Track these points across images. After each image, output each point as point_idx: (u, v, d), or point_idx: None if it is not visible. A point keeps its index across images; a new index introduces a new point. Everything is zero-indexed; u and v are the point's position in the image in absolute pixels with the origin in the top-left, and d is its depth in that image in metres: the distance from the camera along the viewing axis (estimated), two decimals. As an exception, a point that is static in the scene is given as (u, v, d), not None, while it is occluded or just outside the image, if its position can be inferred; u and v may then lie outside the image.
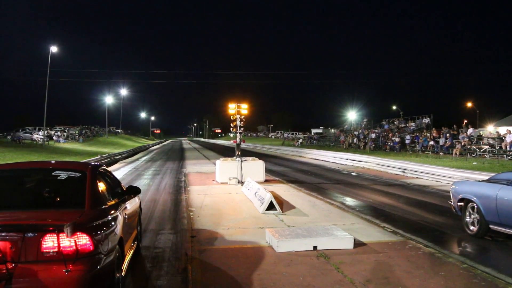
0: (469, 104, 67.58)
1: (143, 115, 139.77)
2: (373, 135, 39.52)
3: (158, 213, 9.96)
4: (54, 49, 41.94)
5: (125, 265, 4.76)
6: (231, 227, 8.37)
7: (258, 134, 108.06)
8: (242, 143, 17.24)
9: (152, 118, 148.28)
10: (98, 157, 24.94)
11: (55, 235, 3.36)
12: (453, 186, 8.51)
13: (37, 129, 51.76)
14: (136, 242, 6.02)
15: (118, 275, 4.18)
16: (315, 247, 6.58)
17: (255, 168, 16.09)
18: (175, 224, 8.75)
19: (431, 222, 9.11)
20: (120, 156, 32.78)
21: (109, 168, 22.16)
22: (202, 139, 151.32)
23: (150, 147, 67.06)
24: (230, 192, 13.27)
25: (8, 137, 48.01)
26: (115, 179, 5.74)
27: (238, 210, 10.32)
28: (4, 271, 3.24)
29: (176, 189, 14.44)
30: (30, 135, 47.68)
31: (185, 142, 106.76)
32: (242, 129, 16.41)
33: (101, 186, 4.69)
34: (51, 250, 3.35)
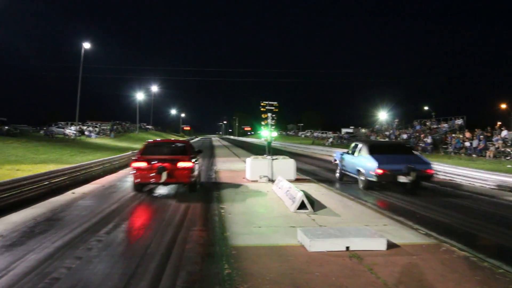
0: (503, 106, 65.92)
1: (173, 111, 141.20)
2: (405, 136, 39.04)
3: (189, 210, 10.14)
4: (86, 45, 42.92)
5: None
6: (263, 225, 8.47)
7: (288, 133, 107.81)
8: (272, 142, 17.33)
9: (182, 115, 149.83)
10: (130, 153, 25.31)
11: (180, 159, 11.75)
12: (334, 155, 18.95)
13: (69, 124, 52.97)
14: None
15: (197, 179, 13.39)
16: (347, 248, 6.60)
17: (286, 166, 16.10)
18: (207, 221, 8.91)
19: (465, 225, 9.00)
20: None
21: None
22: (232, 137, 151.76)
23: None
24: (261, 190, 13.35)
25: (41, 132, 49.09)
26: (193, 146, 14.16)
27: (269, 208, 10.41)
28: (167, 168, 11.47)
29: (207, 185, 14.60)
30: (63, 130, 48.77)
31: (215, 139, 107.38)
32: (273, 127, 16.49)
33: (191, 148, 12.89)
34: (180, 164, 11.61)
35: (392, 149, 15.58)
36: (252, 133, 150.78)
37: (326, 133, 78.10)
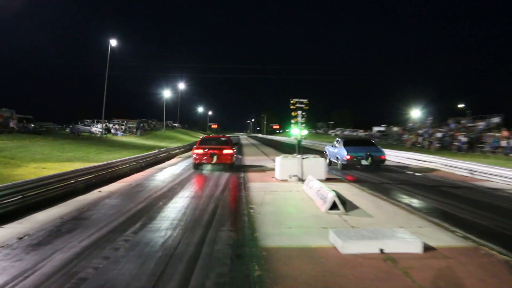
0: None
1: (200, 109, 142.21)
2: (439, 135, 38.37)
3: (218, 210, 10.18)
4: (113, 42, 43.60)
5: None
6: (293, 226, 8.44)
7: (318, 131, 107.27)
8: (302, 140, 17.26)
9: (210, 112, 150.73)
10: (156, 151, 25.62)
11: (224, 148, 19.31)
12: (325, 148, 24.56)
13: (95, 122, 53.79)
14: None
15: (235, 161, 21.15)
16: (381, 250, 6.53)
17: (316, 166, 16.05)
18: (236, 221, 8.94)
19: (505, 228, 8.76)
20: (177, 150, 33.51)
21: (167, 163, 22.67)
22: (260, 135, 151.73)
23: None
24: (291, 190, 13.35)
25: (67, 130, 49.87)
26: (231, 140, 21.56)
27: (300, 208, 10.39)
28: (216, 154, 18.89)
29: (235, 186, 14.67)
30: (89, 127, 49.48)
31: (243, 137, 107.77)
32: (303, 125, 16.42)
33: (230, 141, 20.37)
34: (224, 151, 19.09)
35: (360, 142, 22.64)
36: (281, 131, 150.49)
37: (356, 131, 77.48)
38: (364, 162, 19.80)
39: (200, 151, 19.47)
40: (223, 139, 21.49)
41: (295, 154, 16.71)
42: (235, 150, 21.18)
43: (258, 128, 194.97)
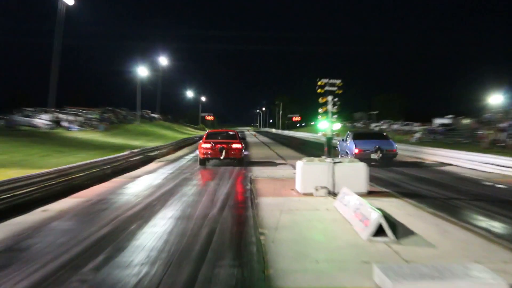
0: None
1: (189, 94, 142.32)
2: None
3: (215, 237, 10.16)
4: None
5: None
6: (322, 259, 8.41)
7: (355, 124, 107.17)
8: (335, 137, 17.24)
9: (203, 99, 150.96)
10: (127, 152, 25.67)
11: (232, 143, 25.65)
12: (337, 144, 31.36)
13: (40, 112, 53.42)
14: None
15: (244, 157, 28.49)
16: (450, 296, 6.44)
17: (354, 173, 16.04)
18: (240, 253, 8.93)
19: None
20: (157, 152, 33.64)
21: (143, 169, 22.81)
22: (273, 130, 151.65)
23: (199, 139, 67.84)
24: (318, 208, 13.37)
25: (1, 122, 49.21)
26: (239, 134, 28.62)
27: (331, 234, 10.38)
28: (225, 148, 24.90)
29: (239, 202, 14.70)
30: (29, 119, 49.08)
31: (249, 133, 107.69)
32: (335, 116, 16.38)
33: (239, 136, 27.40)
34: (233, 145, 25.39)
35: (371, 136, 29.05)
36: (303, 124, 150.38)
37: (411, 124, 77.07)
38: (373, 156, 24.96)
39: (208, 145, 25.04)
40: (231, 133, 28.39)
41: (323, 157, 16.70)
42: (244, 145, 27.52)
43: (271, 121, 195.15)
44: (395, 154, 25.96)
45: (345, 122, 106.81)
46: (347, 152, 26.17)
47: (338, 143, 30.96)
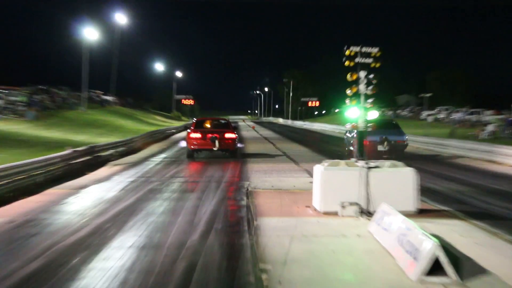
0: None
1: (159, 68, 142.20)
2: None
3: (196, 276, 10.08)
4: None
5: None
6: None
7: (399, 112, 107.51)
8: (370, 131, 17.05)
9: (178, 74, 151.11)
10: (68, 151, 25.51)
11: (225, 132, 34.94)
12: (345, 135, 41.09)
13: None
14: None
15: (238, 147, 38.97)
16: None
17: (398, 183, 15.99)
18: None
19: None
20: (112, 150, 33.57)
21: (90, 176, 22.98)
22: (281, 120, 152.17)
23: (172, 133, 69.82)
24: (345, 234, 13.33)
25: None
26: (231, 123, 39.97)
27: (364, 272, 10.31)
28: (218, 138, 33.77)
29: (231, 224, 14.67)
30: None
31: (245, 124, 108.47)
32: (370, 101, 16.20)
33: (232, 126, 38.24)
34: (226, 135, 34.84)
35: (380, 125, 32.59)
36: (323, 112, 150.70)
37: (480, 113, 76.60)
38: (380, 148, 30.64)
39: (198, 135, 31.54)
40: (223, 121, 37.16)
41: (353, 160, 16.61)
42: (237, 135, 35.20)
43: (276, 107, 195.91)
44: (405, 146, 32.72)
45: (385, 109, 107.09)
46: (351, 146, 31.36)
47: (345, 135, 38.56)
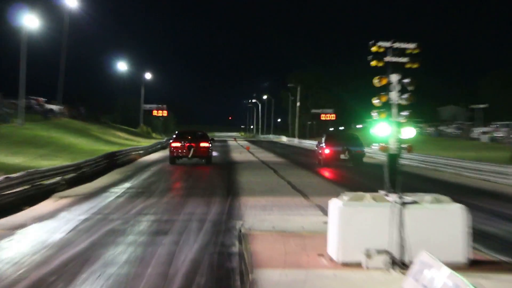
0: None
1: (122, 68, 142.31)
2: None
3: None
4: None
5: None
6: None
7: (442, 128, 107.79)
8: (406, 154, 17.10)
9: (147, 76, 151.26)
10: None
11: (199, 142, 64.79)
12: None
13: None
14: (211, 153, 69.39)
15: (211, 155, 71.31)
16: None
17: (442, 225, 15.92)
18: None
19: None
20: (58, 177, 33.55)
21: (28, 212, 22.95)
22: (284, 139, 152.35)
23: (140, 155, 71.12)
24: (372, 295, 13.16)
25: None
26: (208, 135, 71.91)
27: None
28: (193, 147, 62.45)
29: (218, 279, 14.67)
30: None
31: (237, 144, 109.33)
32: (406, 113, 16.16)
33: (207, 137, 70.30)
34: (201, 144, 65.03)
35: (342, 138, 65.16)
36: (340, 128, 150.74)
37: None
38: (342, 157, 45.72)
39: (178, 144, 49.77)
40: (199, 133, 57.53)
41: (382, 192, 16.48)
42: (211, 144, 56.77)
43: (278, 120, 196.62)
44: (363, 155, 51.38)
45: (424, 125, 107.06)
46: (320, 153, 51.34)
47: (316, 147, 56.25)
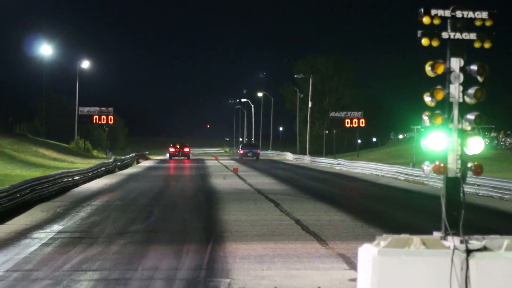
0: None
1: (46, 52, 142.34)
2: None
3: None
4: None
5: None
6: None
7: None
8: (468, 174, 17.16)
9: (84, 65, 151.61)
10: None
11: (185, 148, 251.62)
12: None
13: None
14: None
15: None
16: None
17: None
18: None
19: None
20: None
21: None
22: (290, 156, 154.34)
23: (75, 183, 70.96)
24: None
25: None
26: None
27: None
28: (181, 150, 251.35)
29: None
30: None
31: (220, 164, 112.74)
32: (473, 117, 16.06)
33: (187, 145, 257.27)
34: (185, 149, 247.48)
35: (249, 144, 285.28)
36: (373, 139, 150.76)
37: None
38: (249, 155, 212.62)
39: (173, 149, 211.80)
40: (185, 143, 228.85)
41: (437, 234, 16.40)
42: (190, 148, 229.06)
43: (280, 129, 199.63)
44: (258, 154, 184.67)
45: (498, 134, 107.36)
46: (239, 153, 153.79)
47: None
